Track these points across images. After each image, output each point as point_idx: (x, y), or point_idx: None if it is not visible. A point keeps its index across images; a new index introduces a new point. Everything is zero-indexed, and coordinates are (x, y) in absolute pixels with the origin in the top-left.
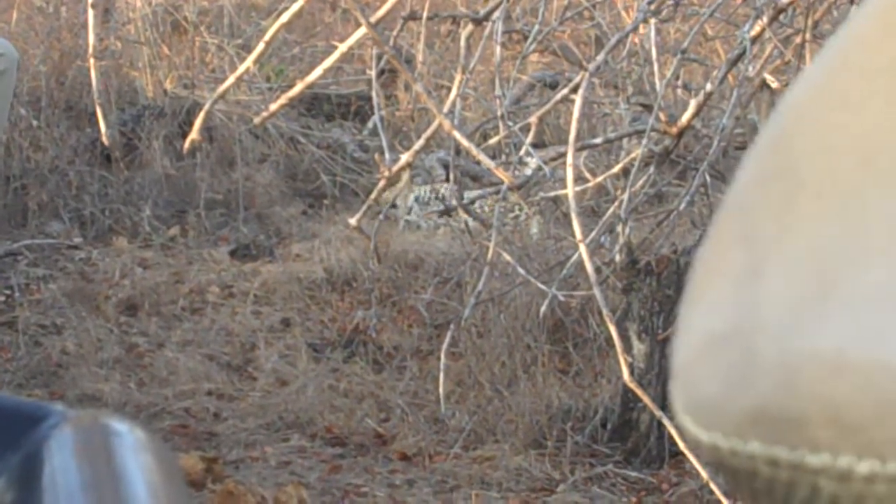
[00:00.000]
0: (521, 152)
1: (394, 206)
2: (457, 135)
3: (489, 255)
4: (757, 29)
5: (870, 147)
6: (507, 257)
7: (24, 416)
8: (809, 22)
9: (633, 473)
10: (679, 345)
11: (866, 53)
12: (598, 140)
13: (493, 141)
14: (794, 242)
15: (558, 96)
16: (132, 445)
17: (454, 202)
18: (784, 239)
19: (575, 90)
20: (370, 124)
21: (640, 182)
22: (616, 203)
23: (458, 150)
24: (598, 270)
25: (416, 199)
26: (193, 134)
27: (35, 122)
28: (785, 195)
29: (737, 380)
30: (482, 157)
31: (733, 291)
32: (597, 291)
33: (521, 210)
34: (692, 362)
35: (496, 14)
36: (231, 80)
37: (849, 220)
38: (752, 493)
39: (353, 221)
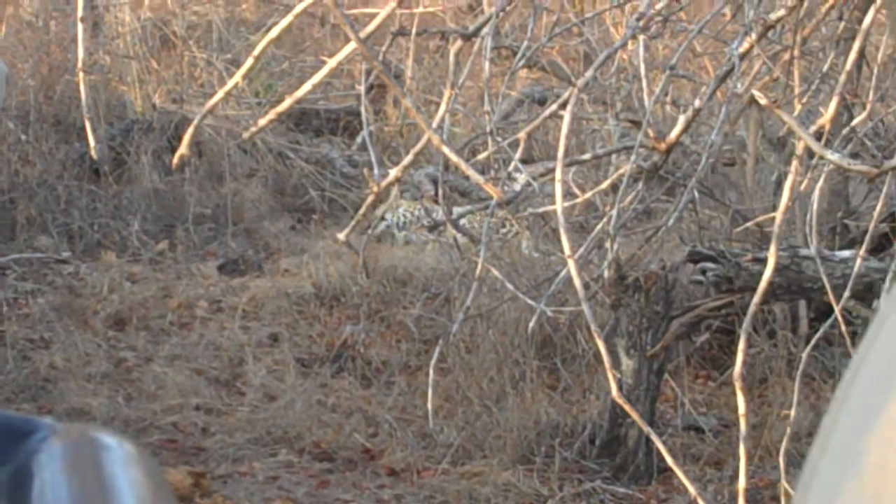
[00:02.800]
0: (510, 168)
1: (382, 218)
2: (446, 150)
3: (478, 271)
4: (746, 45)
5: None
6: (496, 273)
7: (13, 430)
8: (798, 38)
9: (622, 489)
10: None
11: None
12: (586, 156)
13: (481, 156)
14: None
15: (547, 112)
16: (121, 459)
17: (443, 218)
18: None
19: (563, 106)
20: (359, 139)
21: (629, 198)
22: (605, 219)
23: (447, 166)
24: (586, 286)
25: (405, 215)
26: (182, 149)
27: (23, 137)
28: None
29: None
30: (471, 173)
31: None
32: (585, 307)
33: (510, 226)
34: None
35: (485, 30)
36: (220, 94)
37: None
38: None
39: (341, 236)
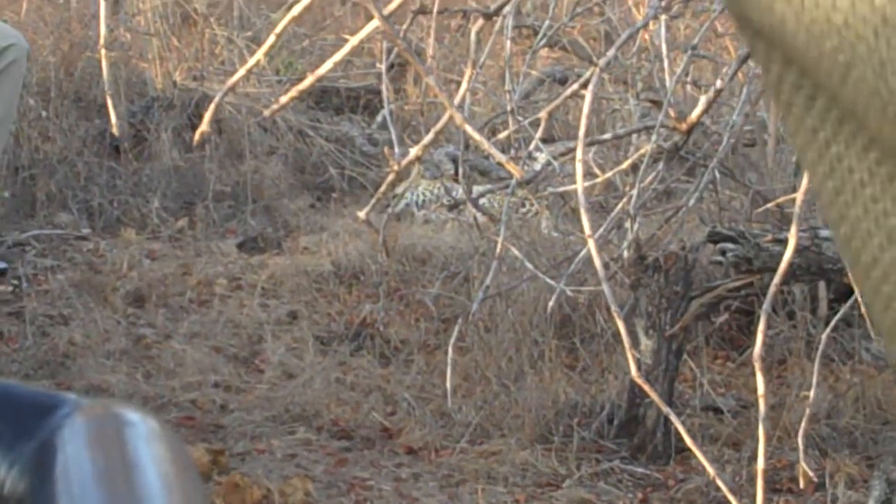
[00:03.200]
0: (531, 147)
1: (401, 196)
2: (468, 128)
3: (497, 250)
4: None
5: None
6: (516, 252)
7: (36, 405)
8: None
9: (640, 469)
10: None
11: None
12: (607, 136)
13: (502, 136)
14: None
15: (568, 91)
16: (145, 435)
17: (463, 196)
18: None
19: (585, 86)
20: (379, 118)
21: (649, 178)
22: (625, 199)
23: (468, 145)
24: (606, 266)
25: (424, 194)
26: (203, 126)
27: (44, 113)
28: None
29: None
30: (493, 151)
31: None
32: (605, 287)
33: (530, 205)
34: None
35: (506, 9)
36: (241, 72)
37: None
38: None
39: (361, 215)
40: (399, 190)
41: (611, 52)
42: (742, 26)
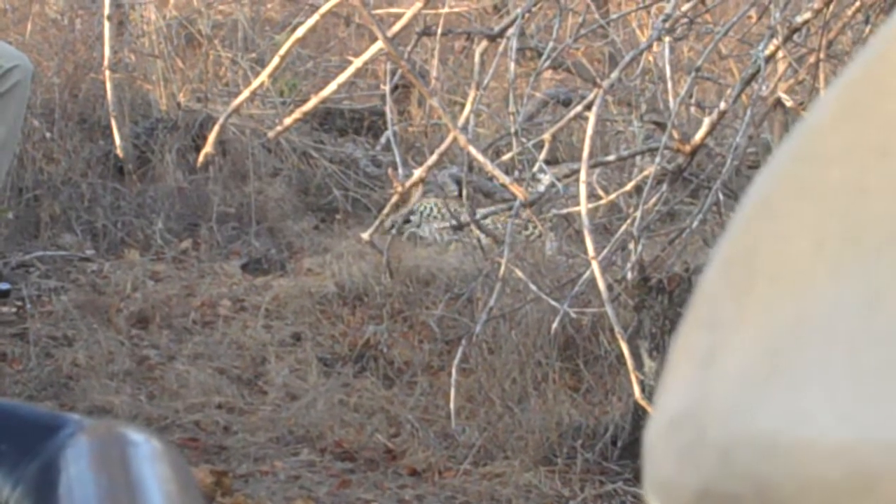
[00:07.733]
0: (535, 169)
1: (407, 220)
2: (472, 150)
3: (501, 272)
4: (771, 48)
5: (821, 234)
6: (519, 273)
7: (41, 425)
8: (823, 41)
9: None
10: (650, 425)
11: (821, 142)
12: (611, 157)
13: (506, 157)
14: (748, 326)
15: (572, 113)
16: (148, 455)
17: (467, 218)
18: (740, 323)
19: (588, 107)
20: (383, 139)
21: (653, 200)
22: (628, 220)
23: (471, 166)
24: (609, 288)
25: (428, 214)
26: (207, 147)
27: (48, 135)
28: (743, 280)
29: (687, 460)
30: (497, 173)
31: (693, 374)
32: (609, 309)
33: (533, 227)
34: (655, 442)
35: (510, 31)
36: (245, 94)
37: (798, 303)
38: None
39: (365, 236)
40: (405, 210)
41: (614, 74)
42: None
